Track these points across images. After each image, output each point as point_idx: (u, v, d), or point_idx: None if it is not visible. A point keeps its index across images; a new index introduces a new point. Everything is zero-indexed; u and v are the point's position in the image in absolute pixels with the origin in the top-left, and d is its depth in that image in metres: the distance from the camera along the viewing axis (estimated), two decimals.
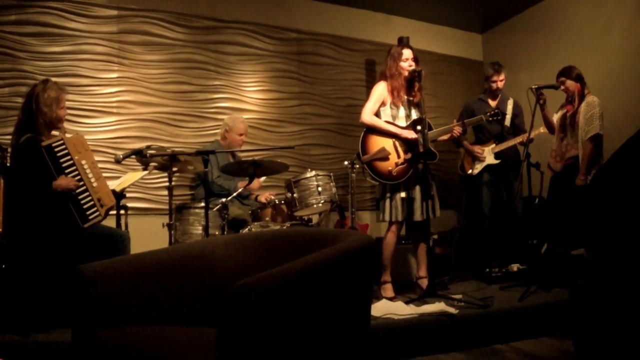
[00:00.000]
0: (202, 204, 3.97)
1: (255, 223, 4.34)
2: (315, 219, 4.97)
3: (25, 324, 2.98)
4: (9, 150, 3.37)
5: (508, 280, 4.72)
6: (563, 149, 4.64)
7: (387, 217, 4.18)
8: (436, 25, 7.02)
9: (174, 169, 3.97)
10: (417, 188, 4.16)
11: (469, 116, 5.09)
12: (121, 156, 3.77)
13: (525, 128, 5.26)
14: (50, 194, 3.24)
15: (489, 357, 3.25)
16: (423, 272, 4.30)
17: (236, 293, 1.54)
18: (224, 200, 4.04)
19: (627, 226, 2.00)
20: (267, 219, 4.61)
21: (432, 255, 4.39)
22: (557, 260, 4.54)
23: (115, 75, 5.06)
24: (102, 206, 3.46)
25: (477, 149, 5.25)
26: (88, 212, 3.37)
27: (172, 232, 3.97)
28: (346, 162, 4.48)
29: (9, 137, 3.55)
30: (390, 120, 4.21)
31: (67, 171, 3.35)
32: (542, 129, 4.84)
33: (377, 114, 4.24)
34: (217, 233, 4.08)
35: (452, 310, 3.50)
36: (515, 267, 5.07)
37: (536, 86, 4.42)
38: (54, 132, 3.56)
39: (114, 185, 4.03)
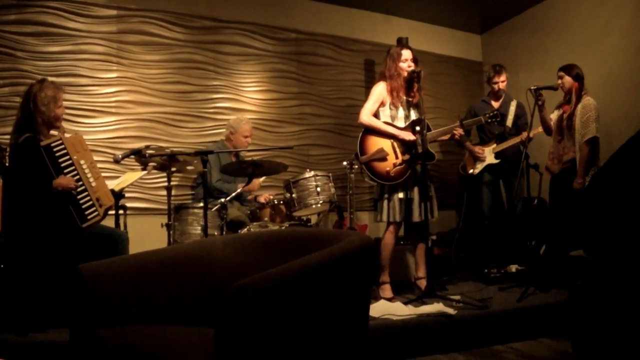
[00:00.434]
0: (201, 204, 3.97)
1: (254, 223, 4.35)
2: (314, 219, 4.97)
3: (23, 323, 2.98)
4: (8, 149, 3.37)
5: (507, 281, 4.72)
6: (560, 151, 4.64)
7: (384, 218, 4.18)
8: (435, 25, 7.02)
9: (173, 169, 3.97)
10: (416, 189, 4.16)
11: (471, 117, 5.11)
12: (120, 156, 3.77)
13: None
14: (49, 193, 3.24)
15: (487, 358, 3.25)
16: (422, 272, 4.30)
17: (235, 293, 1.54)
18: (222, 200, 4.04)
19: (626, 227, 2.00)
20: (266, 219, 4.61)
21: (430, 255, 4.40)
22: (555, 261, 4.54)
23: (114, 75, 5.06)
24: (100, 206, 3.46)
25: (477, 149, 5.27)
26: (87, 212, 3.37)
27: (171, 232, 3.97)
28: (345, 163, 4.50)
29: (8, 136, 3.55)
30: (389, 120, 4.21)
31: (65, 171, 3.35)
32: (540, 129, 4.84)
33: (376, 115, 4.25)
34: (215, 233, 4.08)
35: (450, 311, 3.50)
36: (513, 268, 5.08)
37: (535, 87, 4.43)
38: (53, 132, 3.55)
39: (112, 185, 4.03)
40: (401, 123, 4.21)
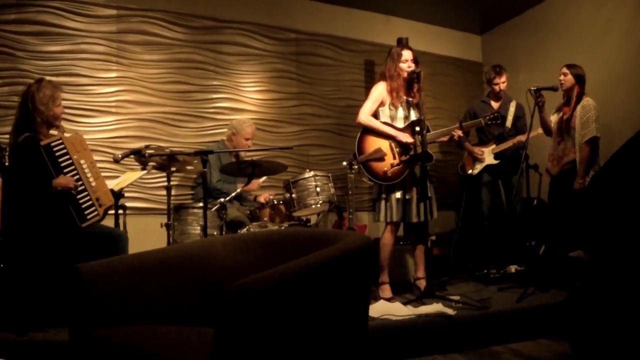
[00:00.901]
0: (201, 204, 3.97)
1: (254, 223, 4.35)
2: (313, 219, 4.97)
3: (22, 322, 2.97)
4: (8, 149, 3.36)
5: (506, 281, 4.73)
6: (560, 153, 4.64)
7: (382, 218, 4.18)
8: (435, 26, 7.02)
9: (173, 168, 3.97)
10: (414, 189, 4.16)
11: (471, 118, 5.12)
12: (120, 156, 3.77)
13: (527, 130, 5.28)
14: (48, 193, 3.24)
15: (486, 359, 3.25)
16: (421, 273, 4.30)
17: (235, 293, 1.54)
18: (222, 200, 4.04)
19: (626, 228, 2.00)
20: (266, 219, 4.61)
21: (430, 256, 4.40)
22: (555, 262, 4.54)
23: (114, 74, 5.06)
24: (100, 206, 3.46)
25: (477, 150, 5.28)
26: (86, 212, 3.37)
27: (171, 232, 3.97)
28: (345, 163, 4.49)
29: (8, 136, 3.54)
30: (389, 120, 4.21)
31: (65, 171, 3.34)
32: (540, 130, 4.85)
33: (376, 114, 4.25)
34: (215, 233, 4.08)
35: (449, 311, 3.50)
36: (513, 268, 5.08)
37: (535, 87, 4.43)
38: (53, 131, 3.55)
39: (112, 184, 4.03)
40: (400, 123, 4.21)
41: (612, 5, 5.48)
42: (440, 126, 4.53)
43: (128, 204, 4.40)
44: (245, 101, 5.69)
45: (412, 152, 4.12)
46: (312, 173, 4.49)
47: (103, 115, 4.97)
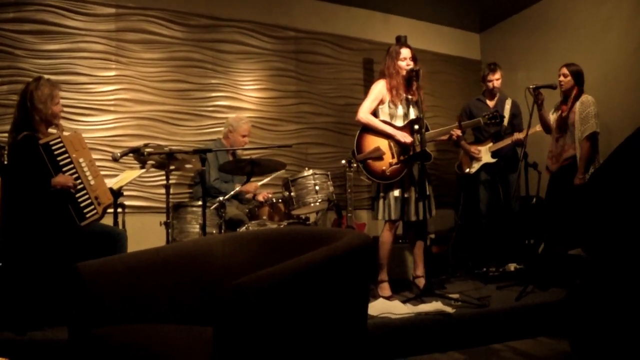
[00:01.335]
0: (200, 203, 3.96)
1: (253, 222, 4.35)
2: (312, 217, 4.97)
3: (22, 321, 2.98)
4: (6, 148, 3.36)
5: (505, 279, 4.73)
6: (559, 149, 4.64)
7: (380, 216, 4.18)
8: (434, 24, 7.02)
9: (171, 167, 3.96)
10: (412, 188, 4.16)
11: (467, 117, 5.12)
12: (119, 154, 3.77)
13: (523, 128, 5.28)
14: (47, 192, 3.24)
15: (485, 357, 3.26)
16: (420, 271, 4.29)
17: (234, 291, 1.54)
18: (221, 198, 4.04)
19: (625, 225, 2.00)
20: (265, 217, 4.60)
21: (429, 254, 4.40)
22: (554, 260, 4.54)
23: (113, 73, 5.05)
24: (99, 204, 3.46)
25: (473, 149, 5.28)
26: (85, 210, 3.37)
27: (170, 230, 3.97)
28: (343, 161, 4.49)
29: (7, 135, 3.54)
30: (388, 118, 4.21)
31: (64, 169, 3.34)
32: (538, 127, 4.85)
33: (376, 112, 4.25)
34: (214, 232, 4.07)
35: (449, 309, 3.50)
36: (512, 266, 5.09)
37: (534, 86, 4.44)
38: (51, 130, 3.55)
39: (111, 183, 4.03)
40: (400, 121, 4.21)
41: (611, 4, 5.49)
42: (439, 124, 4.54)
43: (127, 203, 4.39)
44: (244, 99, 5.69)
45: (410, 152, 4.12)
46: (311, 171, 4.48)
47: (102, 114, 4.96)
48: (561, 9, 6.08)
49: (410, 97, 4.25)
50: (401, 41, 5.38)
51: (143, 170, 4.23)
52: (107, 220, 3.77)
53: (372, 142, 4.15)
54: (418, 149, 4.03)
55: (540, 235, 4.85)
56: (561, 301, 3.74)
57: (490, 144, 5.24)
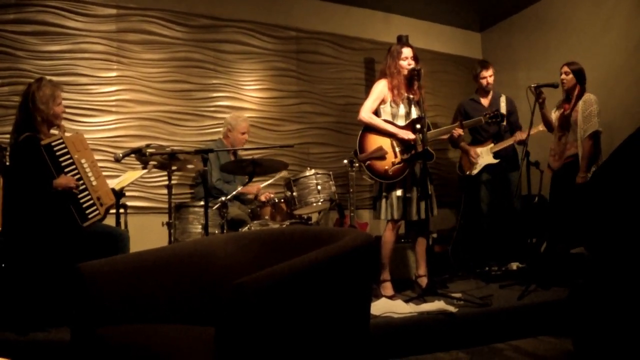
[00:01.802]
0: (202, 203, 3.97)
1: (255, 222, 4.35)
2: (314, 217, 4.97)
3: (24, 322, 2.98)
4: (8, 149, 3.37)
5: (507, 278, 4.72)
6: (562, 147, 4.63)
7: (382, 216, 4.18)
8: (435, 23, 7.02)
9: (173, 167, 3.96)
10: (414, 187, 4.16)
11: (462, 116, 5.10)
12: (120, 155, 3.77)
13: (520, 124, 5.28)
14: (49, 193, 3.24)
15: (488, 356, 3.25)
16: (422, 270, 4.29)
17: (235, 291, 1.54)
18: (223, 198, 4.04)
19: (627, 224, 2.00)
20: (267, 217, 4.60)
21: (431, 253, 4.39)
22: (556, 259, 4.54)
23: (114, 74, 5.06)
24: (101, 205, 3.46)
25: (473, 152, 5.24)
26: (88, 211, 3.37)
27: (172, 230, 3.97)
28: (345, 161, 4.49)
29: (8, 136, 3.55)
30: (390, 118, 4.20)
31: (66, 170, 3.34)
32: (541, 127, 4.84)
33: (377, 112, 4.24)
34: (216, 232, 4.08)
35: (451, 308, 3.50)
36: (514, 265, 5.08)
37: (535, 85, 4.43)
38: (53, 131, 3.55)
39: (113, 183, 4.03)
40: (402, 121, 4.20)
41: (611, 3, 5.48)
42: (440, 123, 4.53)
43: (129, 203, 4.41)
44: (245, 99, 5.69)
45: (413, 151, 4.12)
46: (313, 171, 4.48)
47: (103, 115, 4.97)
48: (562, 8, 6.08)
49: (411, 96, 4.24)
50: (402, 40, 5.38)
51: (145, 171, 4.23)
52: (110, 221, 3.78)
53: (375, 142, 4.15)
54: (420, 149, 4.02)
55: (543, 234, 4.84)
56: (564, 300, 3.73)
57: (492, 145, 5.23)
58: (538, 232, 4.91)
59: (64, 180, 3.28)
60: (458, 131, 4.33)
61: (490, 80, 5.26)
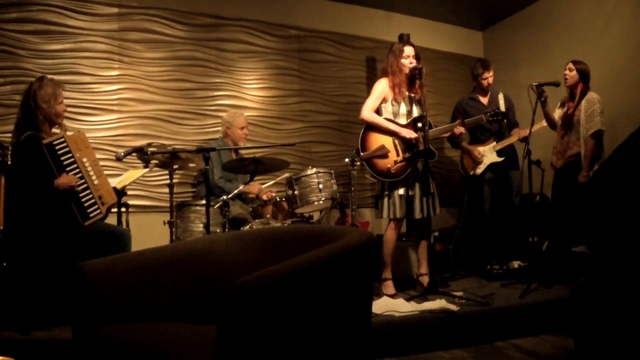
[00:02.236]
0: (203, 202, 3.97)
1: (256, 220, 4.35)
2: (316, 216, 4.97)
3: (25, 321, 2.98)
4: (10, 148, 3.37)
5: (509, 277, 4.72)
6: (564, 146, 4.63)
7: (384, 215, 4.17)
8: (437, 22, 7.02)
9: (175, 166, 3.97)
10: (417, 186, 4.15)
11: (460, 115, 5.10)
12: (122, 154, 3.77)
13: (517, 121, 5.29)
14: (51, 191, 3.24)
15: (489, 355, 3.25)
16: (424, 269, 4.29)
17: (237, 290, 1.54)
18: (224, 197, 4.04)
19: (628, 223, 2.00)
20: (268, 216, 4.61)
21: (432, 252, 4.39)
22: (558, 258, 4.53)
23: (116, 72, 5.06)
24: (103, 204, 3.46)
25: (476, 152, 5.24)
26: (89, 210, 3.37)
27: (173, 229, 3.98)
28: (347, 160, 4.49)
29: (10, 134, 3.55)
30: (391, 117, 4.20)
31: (68, 169, 3.34)
32: (544, 122, 4.84)
33: (379, 111, 4.24)
34: (218, 230, 4.08)
35: (452, 307, 3.50)
36: (516, 264, 5.07)
37: (537, 83, 4.43)
38: (55, 130, 3.55)
39: (115, 182, 4.03)
40: (403, 119, 4.20)
41: (613, 2, 5.47)
42: (441, 122, 4.52)
43: (131, 202, 4.41)
44: (246, 98, 5.69)
45: (415, 149, 4.11)
46: (314, 170, 4.48)
47: (105, 114, 4.97)
48: (563, 7, 6.07)
49: (413, 95, 4.24)
50: (404, 39, 5.37)
51: (146, 170, 4.24)
52: (111, 220, 3.78)
53: (377, 140, 4.15)
54: (422, 147, 4.02)
55: (544, 233, 4.84)
56: (565, 299, 3.73)
57: (494, 143, 5.22)
58: (540, 231, 4.90)
59: (66, 179, 3.28)
60: (460, 129, 4.33)
61: (491, 80, 5.29)
